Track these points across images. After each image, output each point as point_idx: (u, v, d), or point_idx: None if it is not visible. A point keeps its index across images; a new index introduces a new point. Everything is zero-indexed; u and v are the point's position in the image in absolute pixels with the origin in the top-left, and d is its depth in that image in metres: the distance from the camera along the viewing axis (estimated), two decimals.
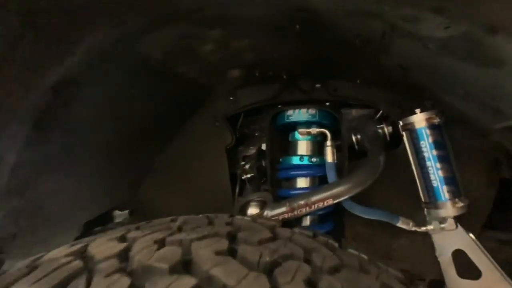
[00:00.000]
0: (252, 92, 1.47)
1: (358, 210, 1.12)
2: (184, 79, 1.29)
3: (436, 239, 1.21)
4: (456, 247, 1.19)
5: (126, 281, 0.44)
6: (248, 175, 1.38)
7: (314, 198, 1.03)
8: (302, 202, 1.03)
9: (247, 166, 1.45)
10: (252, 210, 1.11)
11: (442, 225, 1.16)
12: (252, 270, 0.47)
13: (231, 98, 1.49)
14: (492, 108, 0.81)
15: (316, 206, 1.04)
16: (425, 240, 1.27)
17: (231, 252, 0.53)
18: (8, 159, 0.80)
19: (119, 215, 1.72)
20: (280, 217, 1.04)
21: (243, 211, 1.11)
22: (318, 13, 0.79)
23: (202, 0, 0.80)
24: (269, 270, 0.49)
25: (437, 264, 1.24)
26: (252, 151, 1.62)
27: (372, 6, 0.69)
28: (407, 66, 0.91)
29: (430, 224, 1.18)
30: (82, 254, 0.53)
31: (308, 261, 0.55)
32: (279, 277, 0.47)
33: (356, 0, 0.70)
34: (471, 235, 1.17)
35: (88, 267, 0.48)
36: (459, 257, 1.19)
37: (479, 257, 1.16)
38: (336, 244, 0.68)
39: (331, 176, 1.12)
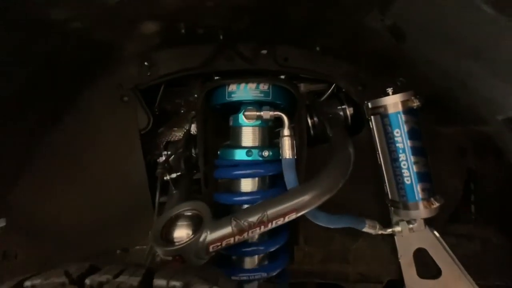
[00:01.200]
0: (175, 56, 1.08)
1: (324, 220, 0.87)
2: (68, 31, 0.83)
3: (399, 239, 1.06)
4: (418, 246, 1.08)
5: None
6: (174, 175, 1.01)
7: (272, 213, 0.74)
8: (254, 220, 0.72)
9: (171, 159, 1.07)
10: (181, 233, 0.75)
11: (411, 226, 1.00)
12: None
13: (146, 63, 1.08)
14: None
15: (273, 224, 0.74)
16: (385, 239, 1.13)
17: None
18: None
19: None
20: (224, 243, 0.72)
21: (167, 235, 0.75)
22: None
23: None
24: None
25: (395, 264, 1.11)
26: (177, 134, 1.24)
27: None
28: (403, 30, 0.64)
29: (397, 225, 1.01)
30: None
31: None
32: None
33: None
34: (435, 233, 1.05)
35: None
36: (419, 255, 1.08)
37: (440, 255, 1.06)
38: None
39: (291, 178, 0.83)
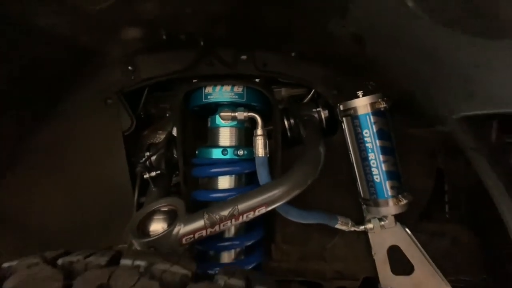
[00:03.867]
0: (157, 61, 1.13)
1: (295, 215, 0.91)
2: (50, 36, 0.87)
3: (373, 237, 1.10)
4: (392, 243, 1.11)
5: None
6: (153, 173, 1.04)
7: (242, 207, 0.78)
8: (225, 213, 0.76)
9: (153, 158, 1.11)
10: (157, 226, 0.79)
11: (382, 223, 1.04)
12: None
13: (130, 67, 1.12)
14: (463, 93, 0.65)
15: (244, 217, 0.78)
16: (360, 237, 1.16)
17: None
18: None
19: None
20: (197, 235, 0.76)
21: (143, 228, 0.79)
22: None
23: None
24: None
25: (370, 261, 1.14)
26: (162, 137, 1.28)
27: None
28: (363, 36, 0.69)
29: (369, 222, 1.05)
30: None
31: None
32: None
33: None
34: (407, 230, 1.09)
35: None
36: (393, 252, 1.12)
37: (413, 252, 1.09)
38: None
39: (263, 174, 0.88)
